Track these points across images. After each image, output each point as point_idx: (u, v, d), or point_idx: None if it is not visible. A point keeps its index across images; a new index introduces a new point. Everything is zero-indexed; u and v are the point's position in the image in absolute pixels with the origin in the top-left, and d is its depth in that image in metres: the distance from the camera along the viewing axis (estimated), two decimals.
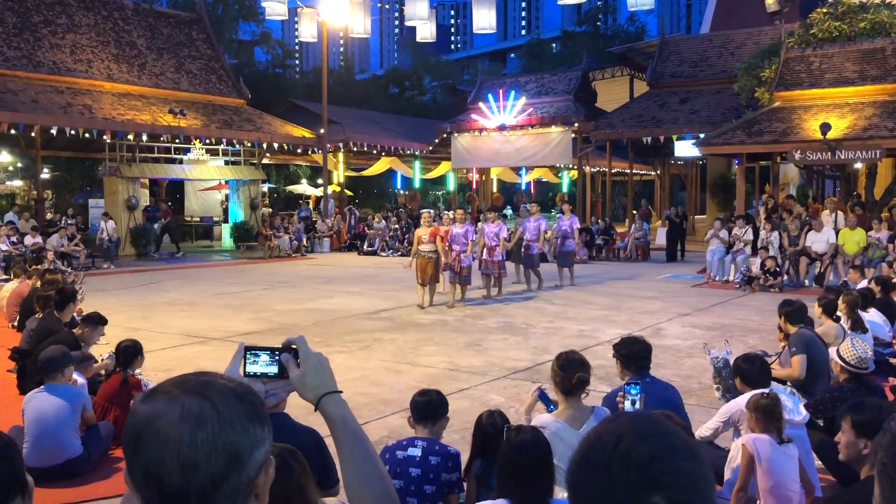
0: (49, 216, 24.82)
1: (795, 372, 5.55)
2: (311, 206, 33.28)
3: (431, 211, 13.83)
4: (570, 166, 34.28)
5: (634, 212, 27.41)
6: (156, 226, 23.37)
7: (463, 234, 12.20)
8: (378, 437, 5.42)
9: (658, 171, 32.09)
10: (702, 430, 4.51)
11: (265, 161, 28.87)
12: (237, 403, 1.09)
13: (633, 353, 4.30)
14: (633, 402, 3.53)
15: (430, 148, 30.02)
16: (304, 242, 24.00)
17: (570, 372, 3.65)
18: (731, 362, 4.98)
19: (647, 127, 23.99)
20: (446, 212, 14.14)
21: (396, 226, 24.70)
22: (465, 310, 11.88)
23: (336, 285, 15.61)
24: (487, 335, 9.80)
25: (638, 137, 24.66)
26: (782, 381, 5.54)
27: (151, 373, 7.46)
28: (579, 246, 20.44)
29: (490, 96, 27.10)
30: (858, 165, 19.56)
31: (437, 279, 12.33)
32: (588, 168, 30.36)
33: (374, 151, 29.63)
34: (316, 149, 27.00)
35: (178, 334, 9.85)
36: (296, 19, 30.37)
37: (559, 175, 39.75)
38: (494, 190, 36.06)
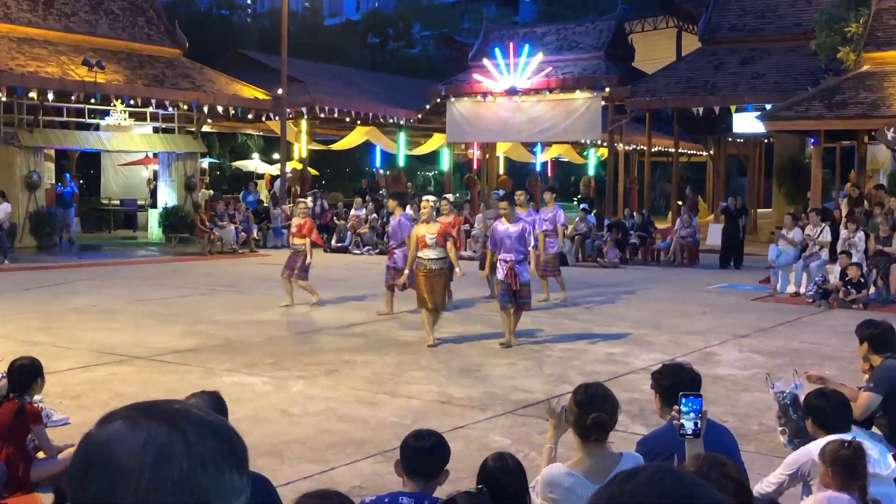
0: None
1: (857, 411, 5.57)
2: (264, 187, 33.27)
3: (434, 198, 11.58)
4: (599, 143, 34.34)
5: (680, 203, 27.50)
6: (72, 211, 23.40)
7: (518, 236, 10.25)
8: (348, 488, 5.42)
9: (711, 152, 32.20)
10: (762, 485, 4.52)
11: (206, 129, 28.86)
12: (214, 440, 1.10)
13: (678, 385, 4.29)
14: (694, 423, 3.48)
15: (420, 116, 30.07)
16: (255, 235, 24.01)
17: (589, 411, 3.64)
18: (801, 399, 5.00)
19: (697, 94, 24.08)
20: (427, 198, 11.36)
21: (374, 215, 24.71)
22: (460, 325, 11.89)
23: (295, 290, 15.61)
24: (488, 358, 9.82)
25: (686, 107, 24.73)
26: (866, 424, 5.57)
27: (55, 400, 7.45)
28: (608, 246, 20.50)
29: (497, 51, 27.14)
30: None
31: (447, 301, 11.19)
32: (621, 146, 30.43)
33: (348, 119, 29.66)
34: (272, 115, 27.01)
35: (90, 351, 9.84)
36: None
37: (584, 154, 39.85)
38: (501, 171, 36.10)
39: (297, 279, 13.39)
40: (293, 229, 13.65)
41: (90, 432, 1.12)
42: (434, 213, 10.99)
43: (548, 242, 14.30)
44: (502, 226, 10.45)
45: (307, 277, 13.49)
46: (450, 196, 14.78)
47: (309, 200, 14.99)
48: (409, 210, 14.19)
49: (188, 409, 1.13)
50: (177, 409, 1.12)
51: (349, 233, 24.11)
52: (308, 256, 13.31)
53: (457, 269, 10.64)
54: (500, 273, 10.40)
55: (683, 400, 3.50)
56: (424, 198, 11.04)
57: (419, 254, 10.54)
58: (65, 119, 23.02)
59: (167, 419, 1.10)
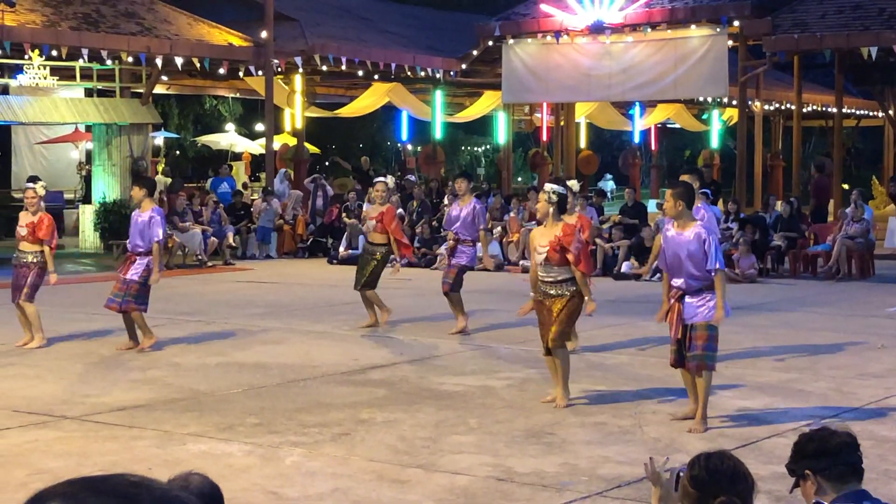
0: None
1: None
2: (242, 172, 33.54)
3: (553, 188, 10.66)
4: (725, 102, 34.11)
5: (846, 186, 27.23)
6: None
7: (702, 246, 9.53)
8: None
9: (891, 112, 31.83)
10: None
11: (159, 91, 29.16)
12: None
13: (826, 450, 4.31)
14: None
15: (464, 67, 30.12)
16: (231, 241, 24.22)
17: (711, 493, 3.64)
18: None
19: (870, 28, 23.83)
20: (380, 180, 15.07)
21: (399, 210, 24.82)
22: (527, 369, 11.89)
23: (287, 319, 15.69)
24: (568, 415, 9.80)
25: (853, 48, 24.46)
26: None
27: None
28: (741, 251, 20.36)
29: None
30: None
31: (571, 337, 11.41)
32: (758, 104, 30.18)
33: (361, 73, 29.77)
34: (253, 69, 27.19)
35: (0, 409, 9.94)
36: None
37: (704, 118, 39.65)
38: (582, 145, 36.02)
39: (365, 289, 14.56)
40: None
41: None
42: (554, 207, 10.35)
43: (458, 251, 14.57)
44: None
45: (375, 286, 14.71)
46: (388, 179, 15.52)
47: (390, 180, 15.72)
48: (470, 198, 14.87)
49: (150, 483, 1.18)
50: (135, 483, 1.17)
51: (363, 237, 24.22)
52: (398, 260, 14.80)
53: (586, 294, 10.29)
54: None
55: None
56: (547, 188, 10.54)
57: (540, 272, 10.30)
58: None
59: (123, 497, 1.14)
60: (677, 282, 9.54)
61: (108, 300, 13.09)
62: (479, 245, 15.05)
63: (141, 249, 13.05)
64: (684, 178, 11.47)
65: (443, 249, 22.83)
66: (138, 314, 13.03)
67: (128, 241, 13.45)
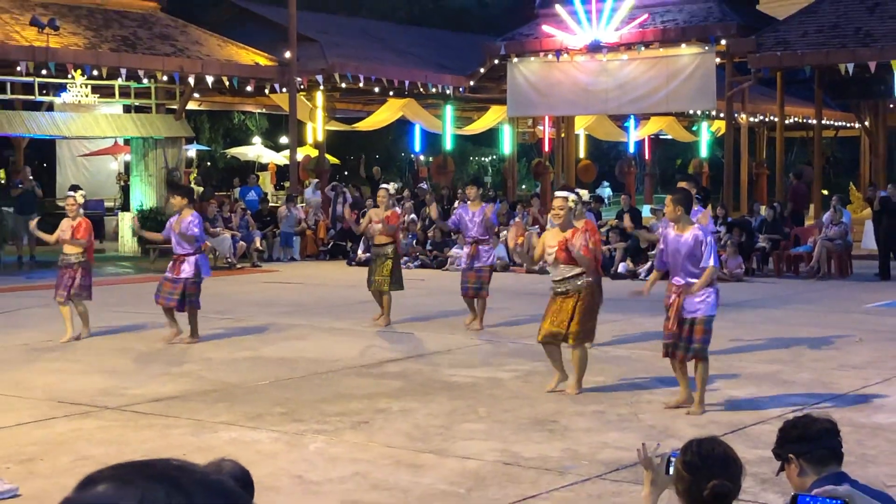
0: None
1: None
2: (269, 181, 33.60)
3: (573, 196, 11.10)
4: (714, 114, 34.05)
5: (825, 192, 27.17)
6: (33, 218, 23.65)
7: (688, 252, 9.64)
8: None
9: (866, 123, 31.75)
10: None
11: (192, 107, 29.23)
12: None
13: (808, 436, 4.31)
14: None
15: (472, 84, 30.15)
16: (258, 244, 24.26)
17: (704, 477, 3.63)
18: None
19: (847, 46, 23.78)
20: (469, 188, 14.91)
21: (412, 216, 24.81)
22: (528, 359, 11.90)
23: (310, 317, 15.72)
24: (569, 405, 9.81)
25: (832, 64, 24.40)
26: None
27: (0, 465, 7.60)
28: (729, 252, 20.33)
29: None
30: None
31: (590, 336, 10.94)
32: (744, 117, 30.14)
33: (377, 90, 29.85)
34: (278, 86, 27.24)
35: (45, 400, 9.99)
36: None
37: (694, 129, 39.59)
38: (581, 155, 35.99)
39: (387, 285, 14.60)
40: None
41: (69, 498, 1.18)
42: (569, 210, 10.49)
43: (481, 251, 14.54)
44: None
45: (402, 286, 14.88)
46: (390, 186, 15.85)
47: (392, 187, 15.83)
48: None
49: (191, 466, 1.19)
50: (178, 467, 1.18)
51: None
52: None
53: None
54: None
55: (812, 501, 3.53)
56: (558, 195, 10.68)
57: (559, 269, 10.31)
58: (8, 97, 23.48)
59: (167, 479, 1.15)
60: (677, 279, 9.59)
61: (164, 298, 13.17)
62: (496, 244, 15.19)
63: (183, 252, 13.15)
64: (682, 184, 11.45)
65: (454, 251, 22.88)
66: (194, 312, 13.25)
67: (172, 246, 13.51)
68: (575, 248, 9.97)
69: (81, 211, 13.86)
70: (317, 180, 28.29)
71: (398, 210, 15.77)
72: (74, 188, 14.38)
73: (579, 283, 10.15)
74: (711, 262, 9.45)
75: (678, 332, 9.49)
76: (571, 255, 10.05)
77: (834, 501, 3.48)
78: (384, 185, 15.83)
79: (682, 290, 9.46)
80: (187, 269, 13.06)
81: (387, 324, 14.56)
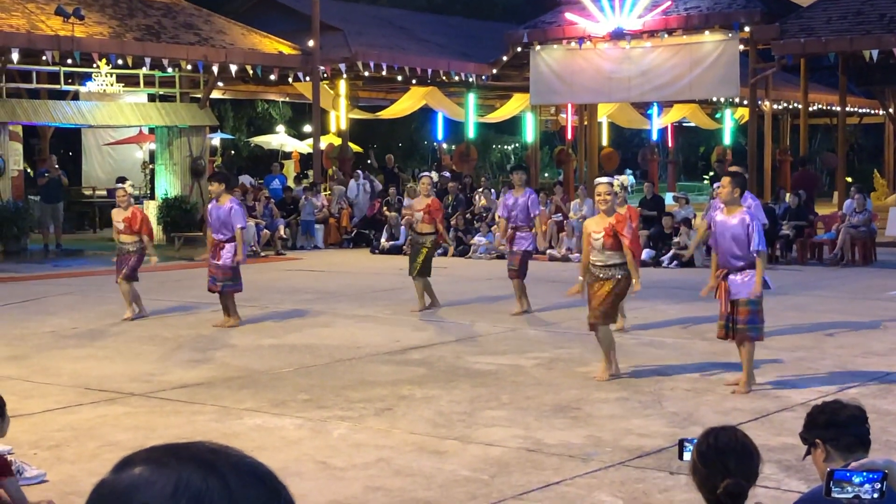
0: None
1: None
2: (292, 169, 33.66)
3: (617, 181, 11.92)
4: (737, 101, 33.89)
5: (849, 179, 27.02)
6: (61, 206, 23.88)
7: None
8: None
9: (891, 110, 31.54)
10: None
11: (216, 96, 29.31)
12: (258, 488, 1.18)
13: (836, 422, 4.30)
14: (871, 492, 3.38)
15: (495, 72, 30.10)
16: (282, 232, 24.32)
17: (719, 471, 3.63)
18: None
19: (872, 32, 23.60)
20: (516, 174, 15.08)
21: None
22: (551, 346, 11.89)
23: (334, 304, 15.75)
24: (592, 391, 9.80)
25: (856, 50, 24.23)
26: None
27: (27, 451, 7.65)
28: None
29: None
30: None
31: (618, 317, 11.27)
32: (767, 104, 29.97)
33: (400, 78, 29.85)
34: (301, 75, 27.28)
35: (72, 387, 10.05)
36: None
37: (717, 117, 39.40)
38: (604, 143, 35.88)
39: (420, 277, 14.69)
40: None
41: (105, 480, 1.19)
42: (614, 198, 10.72)
43: (518, 238, 14.51)
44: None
45: (429, 274, 14.86)
46: (433, 174, 15.82)
47: (434, 175, 16.02)
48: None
49: (226, 449, 1.21)
50: (213, 450, 1.20)
51: (403, 228, 24.26)
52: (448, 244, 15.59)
53: (635, 279, 10.42)
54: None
55: (841, 474, 3.44)
56: (600, 182, 10.82)
57: (595, 257, 10.44)
58: (34, 86, 23.61)
59: (202, 462, 1.17)
60: (723, 262, 9.84)
61: (210, 281, 13.56)
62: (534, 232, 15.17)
63: (223, 238, 13.41)
64: (735, 169, 11.61)
65: (477, 239, 22.89)
66: (232, 296, 13.54)
67: (211, 232, 13.74)
68: (625, 241, 10.20)
69: (132, 200, 14.64)
70: (362, 171, 28.59)
71: (437, 199, 15.88)
72: (121, 179, 15.09)
73: (621, 270, 10.30)
74: (760, 247, 9.60)
75: (729, 314, 9.74)
76: (618, 241, 10.21)
77: (873, 474, 3.43)
78: (426, 174, 16.01)
79: (728, 273, 9.69)
80: (227, 256, 13.36)
81: (421, 308, 14.66)
